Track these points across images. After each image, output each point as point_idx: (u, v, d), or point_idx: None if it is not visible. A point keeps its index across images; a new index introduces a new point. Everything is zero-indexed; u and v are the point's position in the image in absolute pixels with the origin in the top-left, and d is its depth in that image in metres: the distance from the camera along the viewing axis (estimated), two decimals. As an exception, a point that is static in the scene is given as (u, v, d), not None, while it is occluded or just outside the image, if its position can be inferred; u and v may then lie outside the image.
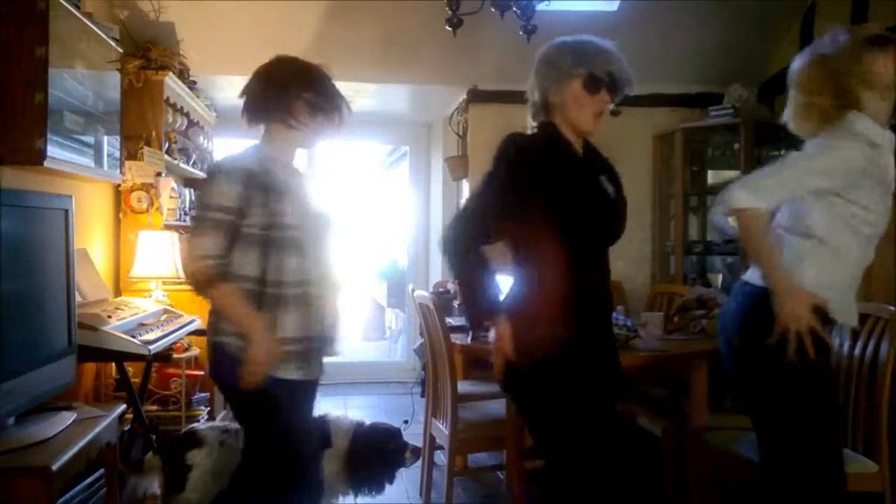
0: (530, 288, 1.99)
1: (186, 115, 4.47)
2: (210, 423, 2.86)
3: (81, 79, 3.00)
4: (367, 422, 2.90)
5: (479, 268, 1.96)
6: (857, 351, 2.58)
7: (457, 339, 3.17)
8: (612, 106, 1.97)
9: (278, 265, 2.08)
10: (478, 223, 1.96)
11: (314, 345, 2.17)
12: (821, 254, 2.10)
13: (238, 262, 2.08)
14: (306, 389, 2.23)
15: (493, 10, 3.33)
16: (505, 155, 1.93)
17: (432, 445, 3.42)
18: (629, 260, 4.94)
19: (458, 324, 3.40)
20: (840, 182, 2.05)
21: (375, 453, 2.77)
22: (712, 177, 5.02)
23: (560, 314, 1.91)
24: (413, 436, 3.99)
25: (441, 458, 3.49)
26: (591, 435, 1.97)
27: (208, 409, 3.90)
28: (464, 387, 3.20)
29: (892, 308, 2.50)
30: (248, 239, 2.07)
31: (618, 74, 1.91)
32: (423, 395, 4.01)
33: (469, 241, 1.96)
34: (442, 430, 3.18)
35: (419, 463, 3.54)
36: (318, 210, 2.20)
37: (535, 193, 1.88)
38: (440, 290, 4.25)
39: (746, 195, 2.07)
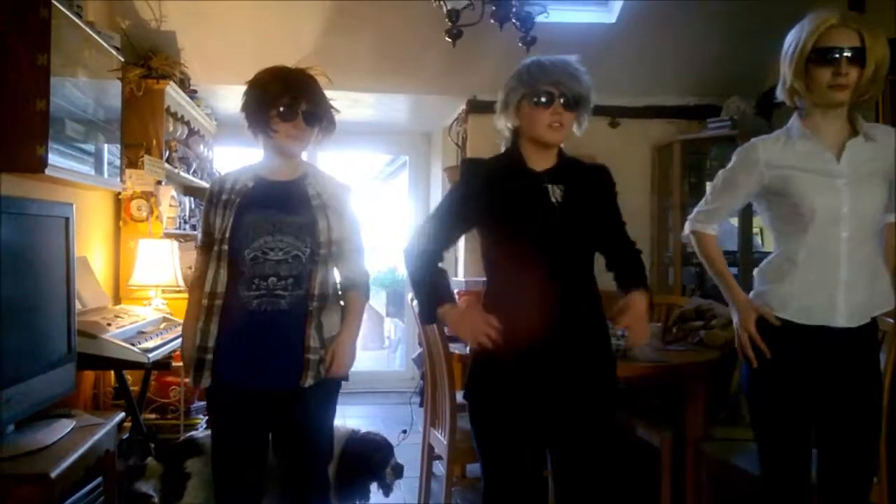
0: (483, 294, 2.09)
1: (187, 123, 4.49)
2: (209, 432, 2.86)
3: (83, 87, 3.01)
4: (364, 431, 2.90)
5: (434, 272, 2.06)
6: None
7: (455, 348, 3.18)
8: (571, 117, 1.97)
9: (211, 277, 2.12)
10: (434, 232, 2.09)
11: (230, 352, 2.11)
12: (774, 253, 2.14)
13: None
14: (231, 396, 2.14)
15: (492, 21, 3.36)
16: (459, 176, 2.09)
17: (431, 455, 3.42)
18: (628, 270, 4.94)
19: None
20: (749, 183, 2.10)
21: (362, 462, 2.77)
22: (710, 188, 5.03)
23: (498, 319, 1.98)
24: (412, 445, 3.99)
25: (439, 467, 3.49)
26: (497, 446, 2.04)
27: (206, 417, 3.90)
28: (462, 396, 3.20)
29: (890, 321, 2.50)
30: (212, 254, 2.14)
31: (565, 86, 1.93)
32: (421, 405, 4.01)
33: (424, 247, 2.07)
34: (440, 439, 3.18)
35: (417, 472, 3.54)
36: (287, 222, 2.11)
37: (473, 201, 2.02)
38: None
39: (696, 220, 2.25)
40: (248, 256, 2.08)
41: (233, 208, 2.11)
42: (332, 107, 2.19)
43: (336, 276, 2.23)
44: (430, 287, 2.04)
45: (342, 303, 2.26)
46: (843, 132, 2.05)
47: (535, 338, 1.94)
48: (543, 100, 1.94)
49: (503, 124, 2.07)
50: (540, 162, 2.03)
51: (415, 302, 3.47)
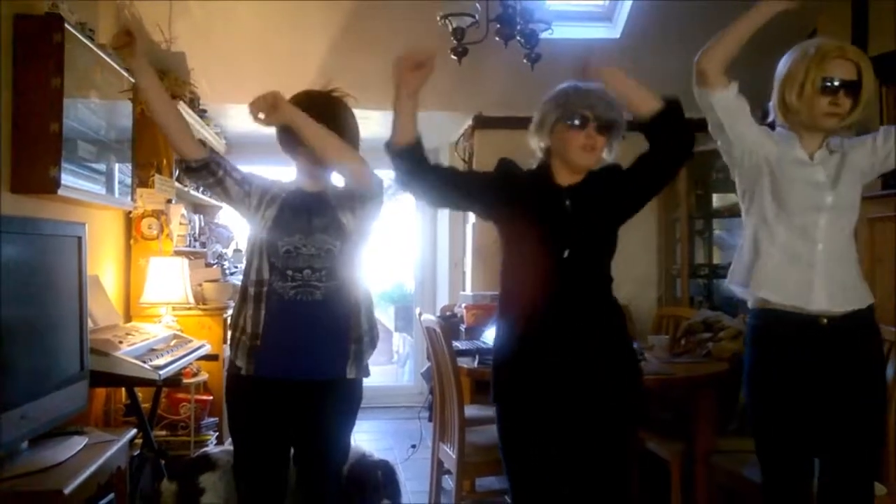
0: (499, 295, 2.13)
1: (197, 142, 4.53)
2: (223, 447, 2.88)
3: (95, 108, 3.06)
4: (374, 455, 2.89)
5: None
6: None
7: (464, 363, 3.19)
8: (604, 141, 2.02)
9: (256, 266, 2.19)
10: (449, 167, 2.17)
11: (263, 341, 2.15)
12: (744, 240, 2.20)
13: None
14: (260, 388, 2.17)
15: (497, 38, 3.39)
16: (496, 167, 2.16)
17: (440, 470, 3.42)
18: (635, 283, 4.95)
19: (464, 347, 3.43)
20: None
21: (358, 489, 2.75)
22: (717, 200, 5.05)
23: (511, 320, 2.04)
24: (421, 460, 4.00)
25: (449, 482, 3.49)
26: (520, 459, 2.05)
27: (217, 434, 3.92)
28: (471, 411, 3.21)
29: (894, 329, 2.51)
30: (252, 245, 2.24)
31: (599, 110, 1.98)
32: (430, 420, 4.02)
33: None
34: (449, 454, 3.19)
35: (427, 487, 3.54)
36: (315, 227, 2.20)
37: (493, 190, 2.08)
38: (447, 313, 4.28)
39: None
40: (281, 249, 2.16)
41: (277, 202, 2.21)
42: (355, 126, 2.29)
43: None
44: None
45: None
46: (818, 147, 2.16)
47: (544, 341, 1.98)
48: (578, 122, 1.99)
49: (536, 144, 2.13)
50: (566, 180, 2.08)
51: (423, 316, 3.50)
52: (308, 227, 2.19)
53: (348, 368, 2.20)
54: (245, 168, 2.28)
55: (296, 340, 2.16)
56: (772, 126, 2.22)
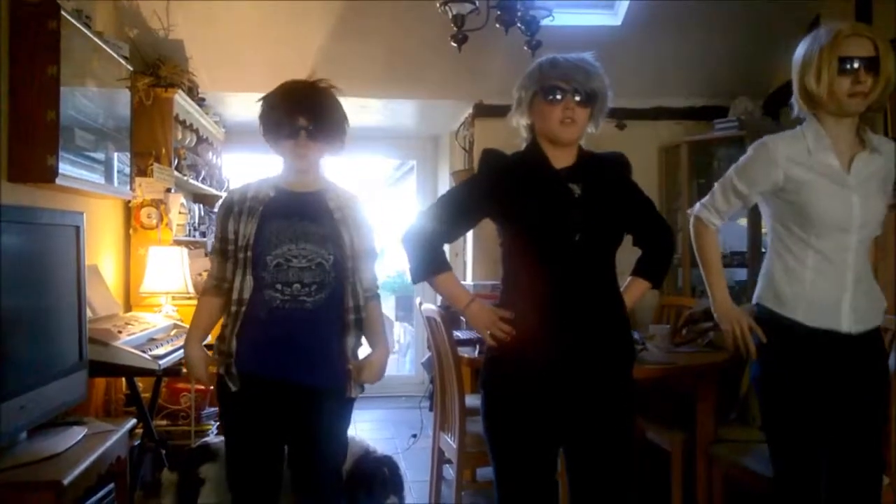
0: (502, 288, 2.08)
1: (195, 131, 4.51)
2: (223, 437, 2.87)
3: (92, 97, 3.04)
4: (378, 451, 2.88)
5: (441, 267, 2.09)
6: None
7: (464, 352, 3.18)
8: (585, 114, 1.97)
9: (238, 284, 2.13)
10: (444, 218, 2.07)
11: (245, 353, 2.13)
12: (778, 254, 2.13)
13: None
14: (247, 396, 2.14)
15: (497, 25, 3.37)
16: (478, 165, 2.09)
17: (441, 459, 3.42)
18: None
19: (465, 337, 3.42)
20: (766, 181, 2.09)
21: (366, 487, 2.74)
22: (719, 189, 5.02)
23: (516, 314, 1.97)
24: (422, 449, 3.99)
25: (449, 471, 3.49)
26: (508, 444, 2.02)
27: (217, 423, 3.91)
28: (472, 400, 3.20)
29: (894, 318, 2.50)
30: (233, 261, 2.15)
31: (577, 82, 1.92)
32: (431, 409, 4.02)
33: (428, 237, 2.06)
34: (450, 443, 3.19)
35: (427, 477, 3.54)
36: (306, 230, 2.13)
37: (492, 192, 2.00)
38: (447, 303, 4.25)
39: (704, 207, 2.25)
40: (271, 263, 2.09)
41: (256, 216, 2.12)
42: (342, 118, 2.19)
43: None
44: (452, 283, 2.13)
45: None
46: (853, 144, 2.08)
47: (552, 334, 1.93)
48: (555, 95, 1.93)
49: (517, 122, 2.06)
50: (559, 160, 2.02)
51: (423, 305, 3.49)
52: (300, 234, 2.12)
53: (351, 388, 2.22)
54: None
55: (276, 347, 2.12)
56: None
